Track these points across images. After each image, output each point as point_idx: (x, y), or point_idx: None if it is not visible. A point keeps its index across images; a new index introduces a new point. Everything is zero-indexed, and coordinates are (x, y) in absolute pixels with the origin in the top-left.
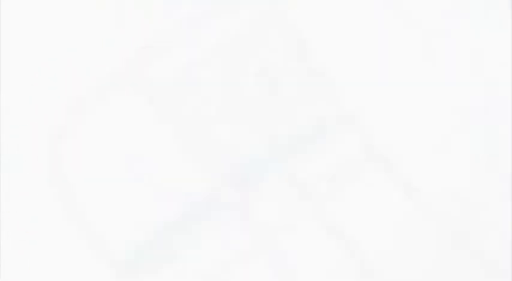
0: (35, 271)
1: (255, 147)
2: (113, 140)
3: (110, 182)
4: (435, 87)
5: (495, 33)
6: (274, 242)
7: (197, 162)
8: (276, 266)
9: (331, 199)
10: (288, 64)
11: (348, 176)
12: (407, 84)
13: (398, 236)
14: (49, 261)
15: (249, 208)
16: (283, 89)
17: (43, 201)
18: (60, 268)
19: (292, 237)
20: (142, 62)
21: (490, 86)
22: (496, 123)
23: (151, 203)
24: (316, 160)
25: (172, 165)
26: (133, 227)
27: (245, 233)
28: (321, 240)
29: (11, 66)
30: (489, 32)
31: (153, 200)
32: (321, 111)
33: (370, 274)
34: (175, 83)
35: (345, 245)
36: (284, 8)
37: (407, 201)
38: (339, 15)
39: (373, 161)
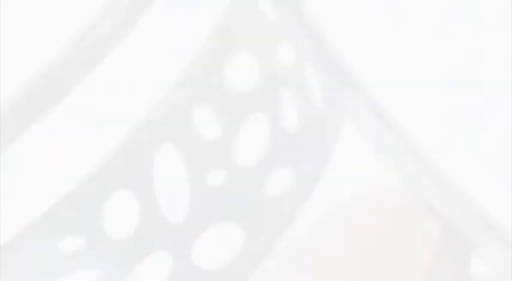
0: None
1: None
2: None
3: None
4: (435, 87)
5: (495, 33)
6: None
7: None
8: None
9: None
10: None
11: None
12: (407, 84)
13: (398, 236)
14: None
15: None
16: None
17: None
18: None
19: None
20: (142, 62)
21: (490, 86)
22: (496, 123)
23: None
24: None
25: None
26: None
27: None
28: (320, 239)
29: (11, 66)
30: (489, 32)
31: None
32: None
33: (370, 273)
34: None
35: (343, 244)
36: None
37: None
38: (339, 15)
39: None
